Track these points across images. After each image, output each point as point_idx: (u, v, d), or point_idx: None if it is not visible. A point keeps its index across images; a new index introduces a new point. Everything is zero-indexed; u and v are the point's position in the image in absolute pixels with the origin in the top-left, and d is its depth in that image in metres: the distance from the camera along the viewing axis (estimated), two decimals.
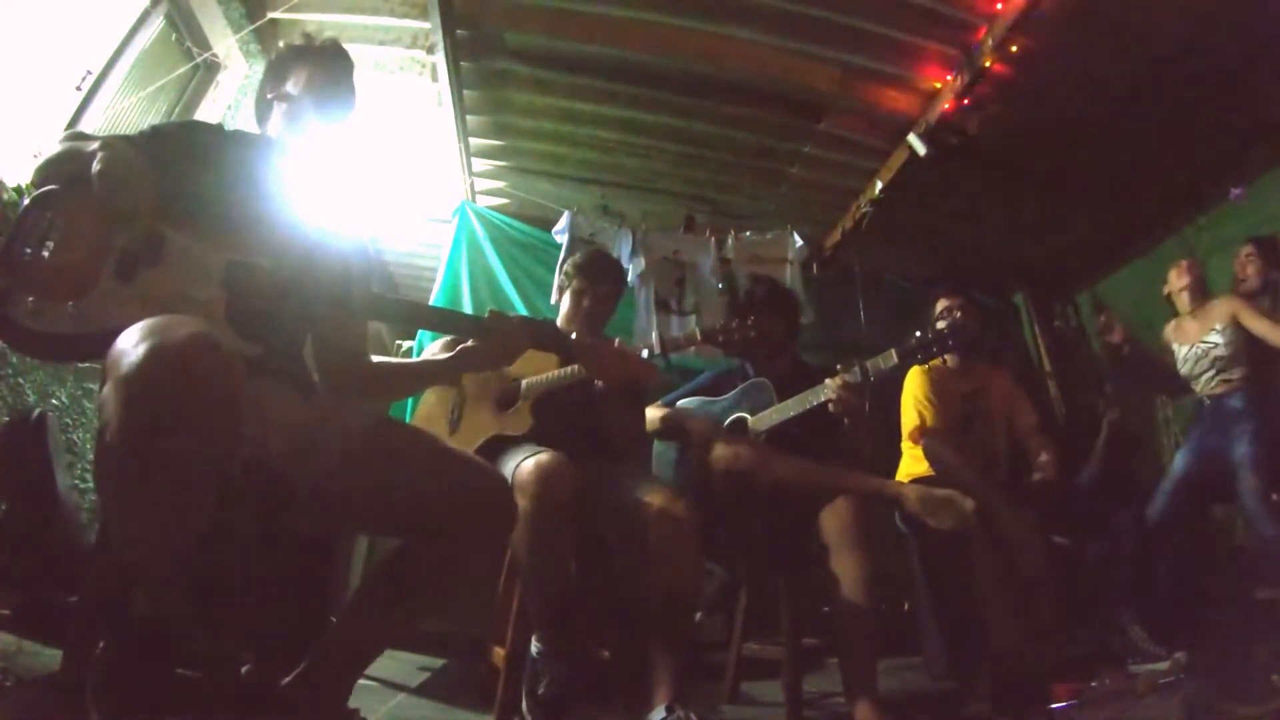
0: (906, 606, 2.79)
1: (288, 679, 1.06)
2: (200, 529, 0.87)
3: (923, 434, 2.22)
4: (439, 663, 2.43)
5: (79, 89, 2.16)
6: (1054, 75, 2.70)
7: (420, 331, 3.19)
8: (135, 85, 2.42)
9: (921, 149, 2.91)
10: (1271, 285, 2.50)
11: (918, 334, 1.74)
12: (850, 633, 1.53)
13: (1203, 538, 2.42)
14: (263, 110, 1.37)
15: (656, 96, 3.04)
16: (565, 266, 2.06)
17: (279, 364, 1.14)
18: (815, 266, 3.95)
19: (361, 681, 1.16)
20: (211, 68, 2.75)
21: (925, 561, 2.31)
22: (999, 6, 2.44)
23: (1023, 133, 3.03)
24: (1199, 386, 2.52)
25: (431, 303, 3.38)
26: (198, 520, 0.86)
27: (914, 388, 2.30)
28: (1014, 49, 2.52)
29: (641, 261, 3.54)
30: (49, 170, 1.06)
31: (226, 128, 1.38)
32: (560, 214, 3.54)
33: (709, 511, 1.65)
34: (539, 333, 1.36)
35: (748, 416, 1.90)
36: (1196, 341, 2.53)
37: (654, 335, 1.81)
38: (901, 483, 2.01)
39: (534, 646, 1.52)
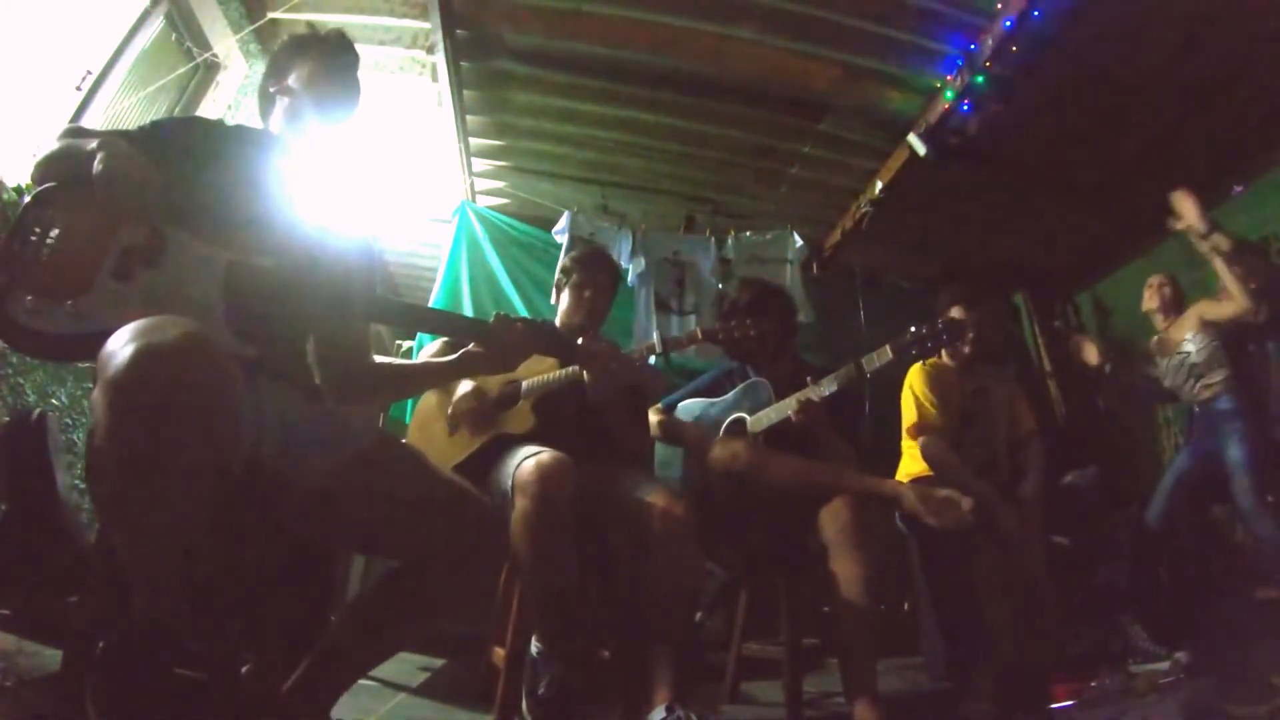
0: (906, 606, 2.79)
1: (286, 684, 1.06)
2: (195, 530, 0.86)
3: (920, 433, 2.22)
4: (439, 663, 2.43)
5: (79, 89, 2.16)
6: (1054, 75, 2.70)
7: (421, 333, 3.19)
8: (135, 85, 2.42)
9: (921, 149, 2.92)
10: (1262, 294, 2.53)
11: (913, 329, 1.75)
12: (850, 633, 1.53)
13: (1202, 538, 2.42)
14: (265, 104, 1.36)
15: (656, 96, 3.04)
16: (562, 263, 2.07)
17: (279, 365, 1.13)
18: (815, 266, 3.95)
19: (361, 681, 1.16)
20: (211, 68, 2.75)
21: (925, 561, 2.30)
22: (999, 6, 2.44)
23: (1023, 133, 3.03)
24: (1185, 396, 2.57)
25: (431, 303, 3.38)
26: (192, 522, 0.85)
27: (915, 384, 2.30)
28: (1014, 49, 2.52)
29: (641, 261, 3.54)
30: (48, 167, 1.06)
31: (227, 124, 1.36)
32: (560, 214, 3.54)
33: (709, 511, 1.65)
34: (542, 337, 1.35)
35: (746, 417, 1.90)
36: (1173, 353, 2.60)
37: (654, 335, 1.81)
38: (900, 482, 2.00)
39: (534, 646, 1.52)
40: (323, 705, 1.07)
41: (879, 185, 3.33)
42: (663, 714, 1.30)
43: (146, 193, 1.03)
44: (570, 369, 1.69)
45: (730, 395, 1.99)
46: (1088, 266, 4.13)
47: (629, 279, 3.50)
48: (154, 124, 1.24)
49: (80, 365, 2.05)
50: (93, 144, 1.03)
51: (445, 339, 1.80)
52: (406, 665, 2.30)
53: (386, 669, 2.06)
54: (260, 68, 2.65)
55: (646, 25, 2.69)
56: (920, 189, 3.33)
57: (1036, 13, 2.37)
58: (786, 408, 1.79)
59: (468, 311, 3.29)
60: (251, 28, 2.65)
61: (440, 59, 2.75)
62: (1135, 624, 2.17)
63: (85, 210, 1.02)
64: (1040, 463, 2.22)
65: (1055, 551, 2.23)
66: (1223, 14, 2.40)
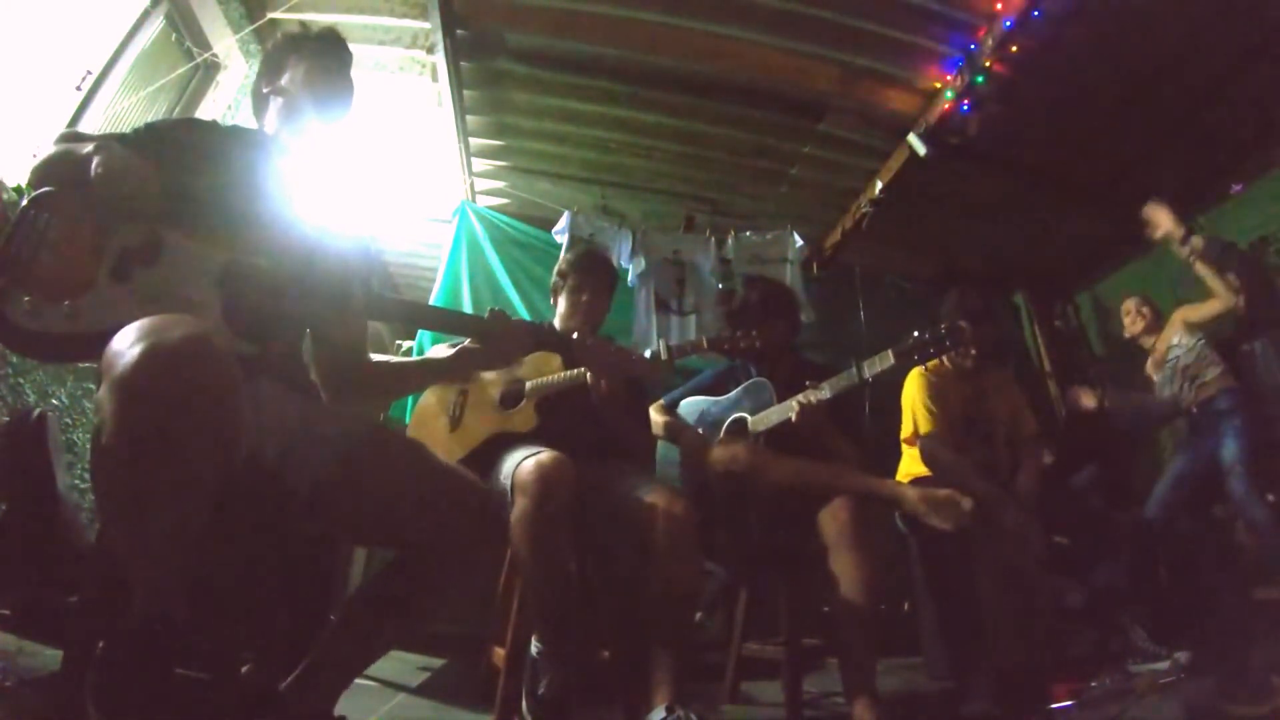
0: (906, 606, 2.79)
1: (285, 683, 1.06)
2: (198, 529, 0.87)
3: (918, 442, 2.22)
4: (439, 663, 2.44)
5: (79, 89, 2.16)
6: (1054, 75, 2.70)
7: (420, 331, 3.19)
8: (135, 85, 2.42)
9: (921, 149, 2.92)
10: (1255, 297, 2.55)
11: (915, 334, 1.74)
12: (849, 633, 1.53)
13: (1202, 538, 2.42)
14: (259, 104, 1.36)
15: (656, 96, 3.04)
16: (559, 266, 2.06)
17: (276, 364, 1.14)
18: (815, 266, 3.95)
19: (361, 681, 1.16)
20: (211, 68, 2.75)
21: (925, 561, 2.30)
22: (999, 6, 2.44)
23: (1023, 133, 3.03)
24: (1184, 401, 2.60)
25: (431, 303, 3.38)
26: (195, 521, 0.86)
27: (914, 391, 2.30)
28: (1014, 49, 2.52)
29: (641, 261, 3.54)
30: (45, 172, 1.06)
31: (223, 124, 1.37)
32: (560, 214, 3.54)
33: (709, 511, 1.65)
34: (540, 334, 1.35)
35: (748, 417, 1.90)
36: (1163, 363, 2.66)
37: (660, 342, 1.81)
38: (900, 483, 2.00)
39: (534, 646, 1.52)
40: (323, 704, 1.07)
41: (879, 185, 3.33)
42: (663, 714, 1.30)
43: (145, 193, 1.04)
44: (575, 371, 1.70)
45: (732, 394, 1.99)
46: (1088, 266, 4.13)
47: (629, 279, 3.50)
48: (149, 126, 1.24)
49: (80, 365, 2.05)
50: (89, 147, 1.04)
51: (451, 343, 1.80)
52: (406, 665, 2.30)
53: (386, 669, 2.08)
54: None
55: (647, 25, 2.69)
56: (920, 189, 3.33)
57: (1036, 13, 2.37)
58: (788, 409, 1.79)
59: (468, 312, 3.29)
60: (251, 27, 2.65)
61: (440, 59, 2.75)
62: (1135, 624, 2.17)
63: (83, 212, 1.02)
64: (1038, 465, 2.22)
65: (1055, 551, 2.22)
66: (1222, 14, 2.40)
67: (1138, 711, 1.66)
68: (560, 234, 3.50)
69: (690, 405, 2.07)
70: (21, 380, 1.94)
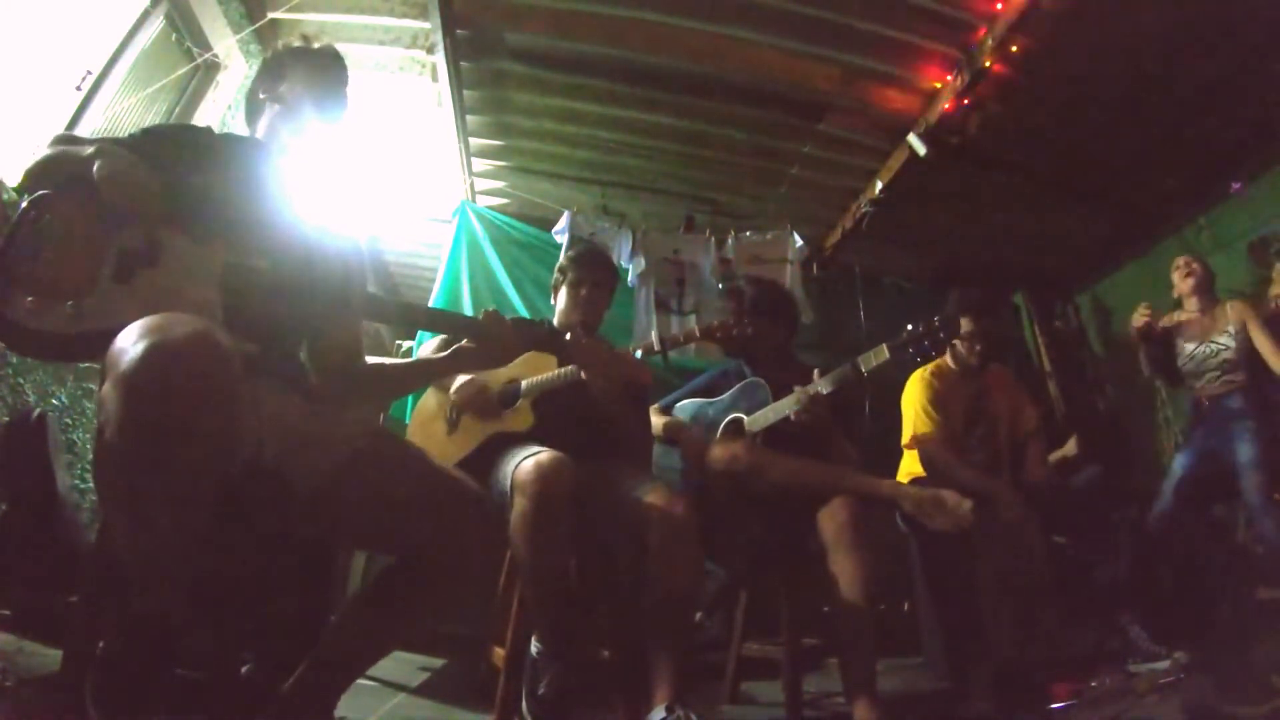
0: (906, 606, 2.79)
1: (285, 683, 1.06)
2: (200, 528, 0.87)
3: (918, 444, 2.22)
4: (439, 663, 2.43)
5: (79, 89, 2.16)
6: (1054, 75, 2.70)
7: (420, 332, 3.19)
8: (135, 85, 2.42)
9: (921, 149, 2.92)
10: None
11: (909, 327, 1.74)
12: (849, 633, 1.53)
13: (1203, 538, 2.42)
14: (254, 110, 1.38)
15: (656, 96, 3.04)
16: (559, 263, 2.07)
17: (275, 365, 1.14)
18: (815, 266, 3.95)
19: (361, 681, 1.16)
20: (211, 68, 2.75)
21: (925, 561, 2.30)
22: (999, 6, 2.44)
23: (1023, 133, 3.03)
24: (1200, 384, 2.51)
25: (431, 303, 3.38)
26: (197, 519, 0.86)
27: (915, 395, 2.30)
28: (1014, 49, 2.52)
29: (641, 261, 3.55)
30: (40, 173, 1.06)
31: (218, 131, 1.40)
32: (560, 214, 3.54)
33: (709, 511, 1.65)
34: (534, 334, 1.36)
35: (744, 417, 1.90)
36: (1206, 340, 2.49)
37: (654, 334, 1.81)
38: (899, 483, 2.00)
39: (534, 646, 1.52)
40: (323, 705, 1.07)
41: (879, 185, 3.33)
42: (663, 714, 1.30)
43: (148, 196, 1.04)
44: (569, 369, 1.70)
45: (727, 395, 1.99)
46: (1088, 266, 4.13)
47: (629, 279, 3.50)
48: (145, 131, 1.26)
49: (80, 365, 2.05)
50: (88, 149, 1.04)
51: (441, 339, 1.81)
52: (406, 665, 2.30)
53: (386, 669, 2.07)
54: None
55: (647, 25, 2.69)
56: (920, 189, 3.33)
57: (1036, 13, 2.37)
58: (785, 407, 1.79)
59: (468, 312, 3.29)
60: (252, 28, 2.65)
61: (440, 59, 2.75)
62: (1135, 624, 2.17)
63: (83, 213, 1.02)
64: (1042, 457, 2.22)
65: (1055, 551, 2.23)
66: (1222, 14, 2.40)
67: (1138, 711, 1.66)
68: (560, 234, 3.50)
69: (686, 407, 2.07)
70: (21, 380, 1.95)
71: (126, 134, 1.24)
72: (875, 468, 1.89)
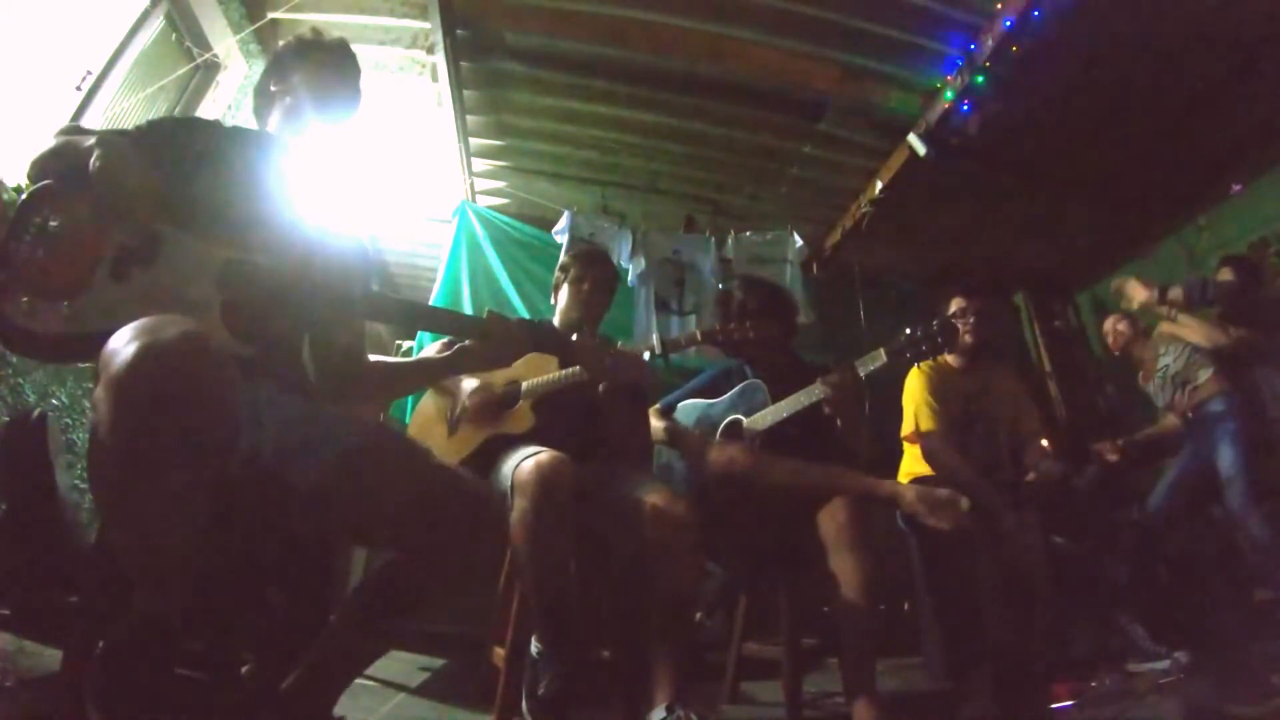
0: (906, 606, 2.79)
1: (285, 683, 1.05)
2: (195, 529, 0.87)
3: (918, 440, 2.22)
4: (439, 663, 2.43)
5: (79, 89, 2.16)
6: (1054, 75, 2.70)
7: (420, 332, 3.19)
8: (135, 85, 2.42)
9: (921, 149, 2.92)
10: (1257, 300, 2.54)
11: (908, 331, 1.73)
12: (849, 633, 1.53)
13: (1202, 539, 2.42)
14: (263, 105, 1.36)
15: (656, 96, 3.04)
16: (560, 261, 2.08)
17: (274, 364, 1.13)
18: (815, 266, 3.95)
19: (361, 681, 1.16)
20: (211, 68, 2.75)
21: (925, 561, 2.30)
22: (999, 6, 2.44)
23: (1023, 133, 3.03)
24: (1179, 409, 2.60)
25: (431, 303, 3.38)
26: (192, 521, 0.86)
27: (915, 389, 2.30)
28: (1014, 49, 2.52)
29: (641, 261, 3.55)
30: (44, 164, 1.05)
31: (225, 124, 1.37)
32: (560, 214, 3.55)
33: (709, 512, 1.65)
34: (537, 334, 1.36)
35: (743, 419, 1.90)
36: (1154, 374, 2.69)
37: (654, 336, 1.80)
38: (898, 483, 2.00)
39: (534, 646, 1.51)
40: (323, 704, 1.07)
41: (879, 185, 3.33)
42: (663, 714, 1.30)
43: (142, 192, 1.03)
44: (570, 370, 1.70)
45: (726, 397, 1.99)
46: (1088, 266, 4.13)
47: (629, 279, 3.50)
48: (150, 123, 1.24)
49: (80, 365, 2.05)
50: (89, 141, 1.03)
51: (445, 340, 1.81)
52: (406, 665, 2.30)
53: (386, 669, 2.08)
54: (260, 68, 2.65)
55: (647, 25, 2.69)
56: (920, 189, 3.33)
57: (1036, 13, 2.37)
58: (784, 408, 1.78)
59: (468, 312, 3.29)
60: (252, 28, 2.65)
61: (440, 59, 2.75)
62: (1135, 624, 2.17)
63: (81, 209, 1.02)
64: (1043, 455, 2.22)
65: (1055, 551, 2.23)
66: (1222, 14, 2.40)
67: (1138, 711, 1.66)
68: (560, 234, 3.50)
69: (688, 408, 2.07)
70: (21, 380, 1.94)
71: (133, 126, 1.23)
72: (875, 467, 1.89)
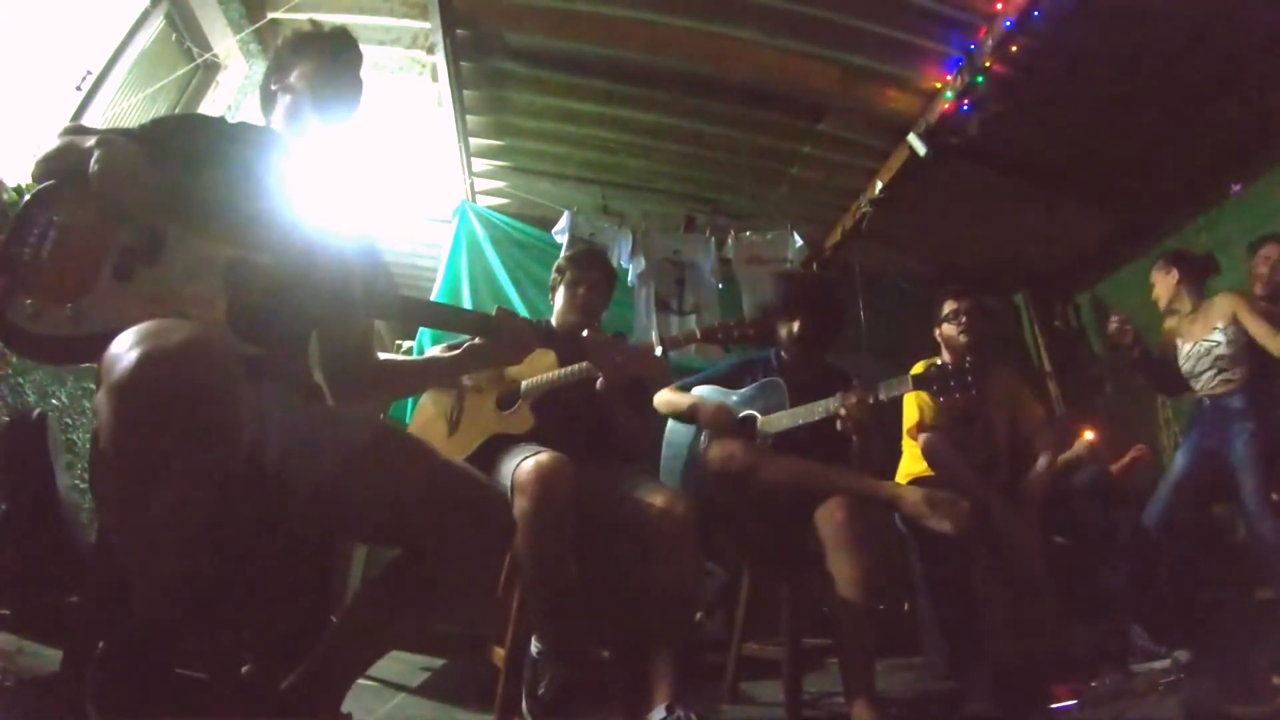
0: (906, 606, 2.79)
1: (286, 682, 1.05)
2: (197, 532, 0.87)
3: (921, 431, 2.22)
4: (439, 663, 2.43)
5: (79, 89, 2.16)
6: (1054, 75, 2.70)
7: (420, 330, 3.19)
8: (135, 85, 2.42)
9: (921, 149, 2.92)
10: None
11: (937, 363, 1.75)
12: (847, 632, 1.53)
13: (1203, 538, 2.42)
14: (267, 101, 1.35)
15: (656, 96, 3.04)
16: (557, 263, 2.07)
17: (280, 365, 1.13)
18: (815, 266, 3.95)
19: (361, 681, 1.16)
20: (211, 68, 2.75)
21: (925, 561, 2.30)
22: (999, 6, 2.44)
23: (1023, 133, 3.03)
24: (1199, 385, 2.49)
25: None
26: (194, 523, 0.85)
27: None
28: (1014, 49, 2.52)
29: (641, 261, 3.55)
30: (48, 165, 1.05)
31: (229, 121, 1.35)
32: (560, 214, 3.54)
33: (709, 511, 1.65)
34: (547, 332, 1.35)
35: (758, 416, 1.88)
36: (1199, 339, 2.46)
37: (654, 335, 1.80)
38: (897, 484, 2.00)
39: (534, 646, 1.52)
40: (329, 701, 1.07)
41: (879, 185, 3.33)
42: (663, 714, 1.31)
43: (143, 191, 1.03)
44: (570, 369, 1.69)
45: (746, 390, 1.97)
46: (1088, 266, 4.13)
47: (629, 279, 3.50)
48: (154, 121, 1.24)
49: (81, 365, 2.05)
50: (91, 141, 1.03)
51: (448, 343, 1.81)
52: (406, 665, 2.30)
53: (386, 669, 2.07)
54: (260, 68, 2.66)
55: (647, 25, 2.69)
56: (920, 189, 3.33)
57: (1036, 13, 2.37)
58: (800, 415, 1.77)
59: None
60: (252, 28, 2.64)
61: (440, 59, 2.75)
62: (1135, 624, 2.17)
63: (84, 210, 1.02)
64: (1054, 444, 2.21)
65: (1055, 551, 2.22)
66: (1222, 14, 2.40)
67: (1138, 711, 1.66)
68: (560, 234, 3.50)
69: (707, 395, 2.05)
70: (21, 380, 1.95)
71: (136, 125, 1.22)
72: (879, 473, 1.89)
